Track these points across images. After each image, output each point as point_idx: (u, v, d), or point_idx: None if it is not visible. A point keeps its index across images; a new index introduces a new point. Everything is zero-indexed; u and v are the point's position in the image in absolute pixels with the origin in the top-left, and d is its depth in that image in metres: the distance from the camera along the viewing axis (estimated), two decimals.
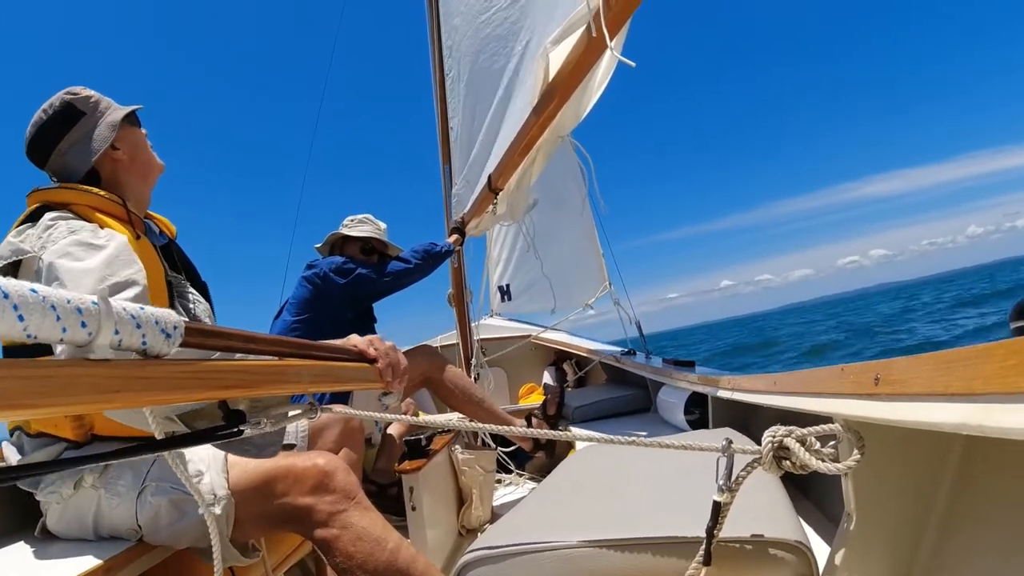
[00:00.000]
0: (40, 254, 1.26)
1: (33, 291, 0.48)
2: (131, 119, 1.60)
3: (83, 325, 0.53)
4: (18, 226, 1.36)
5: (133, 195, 1.55)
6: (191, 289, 1.60)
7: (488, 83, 2.86)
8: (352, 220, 3.02)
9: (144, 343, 0.61)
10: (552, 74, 2.03)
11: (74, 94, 1.51)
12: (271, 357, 0.88)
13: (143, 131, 1.64)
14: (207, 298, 1.67)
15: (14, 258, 1.26)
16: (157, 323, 0.63)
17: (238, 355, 0.84)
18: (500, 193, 2.90)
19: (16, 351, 1.23)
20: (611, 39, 1.61)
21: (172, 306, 1.47)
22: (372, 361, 1.24)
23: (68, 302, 0.52)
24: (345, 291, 2.75)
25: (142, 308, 0.62)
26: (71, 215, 1.37)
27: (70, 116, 1.49)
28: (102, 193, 1.44)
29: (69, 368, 0.51)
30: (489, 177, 2.87)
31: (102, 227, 1.37)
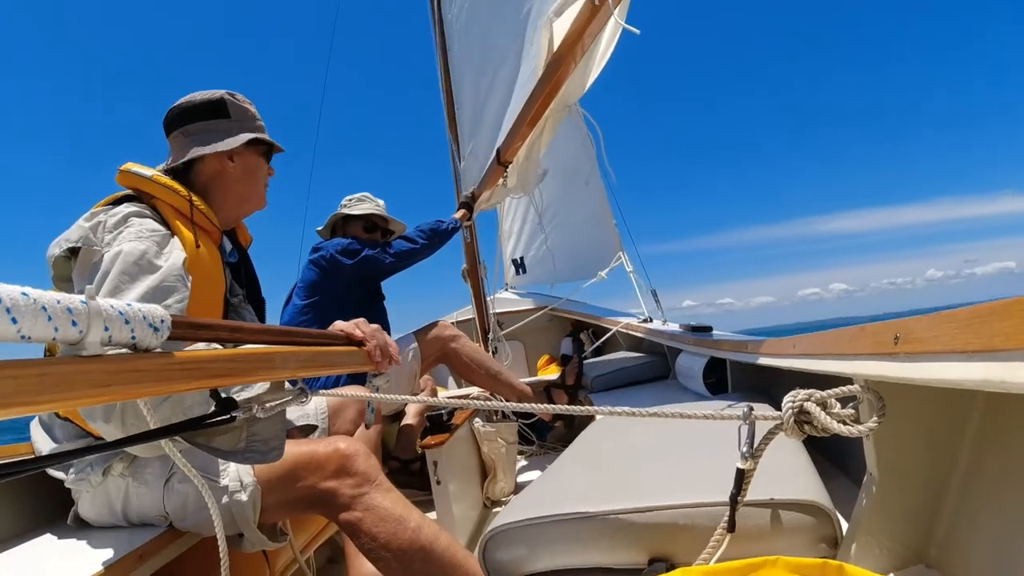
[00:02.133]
0: (104, 250, 1.27)
1: (24, 294, 0.51)
2: (262, 149, 1.65)
3: (73, 324, 0.56)
4: (97, 207, 1.37)
5: (223, 208, 1.57)
6: (249, 309, 1.63)
7: (492, 55, 2.84)
8: (350, 199, 3.02)
9: (133, 337, 0.64)
10: (556, 44, 2.01)
11: (233, 97, 1.58)
12: (259, 345, 0.90)
13: (270, 168, 1.68)
14: (261, 315, 1.70)
15: (79, 244, 1.28)
16: (144, 318, 0.66)
17: (227, 344, 0.86)
18: (510, 165, 2.88)
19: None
20: (615, 6, 1.59)
21: None
22: (360, 344, 1.25)
23: (58, 302, 0.55)
24: (352, 272, 2.76)
25: (129, 304, 0.65)
26: (148, 212, 1.38)
27: (217, 110, 1.56)
28: (185, 193, 1.45)
29: (62, 365, 0.53)
30: (498, 150, 2.85)
31: (173, 234, 1.38)
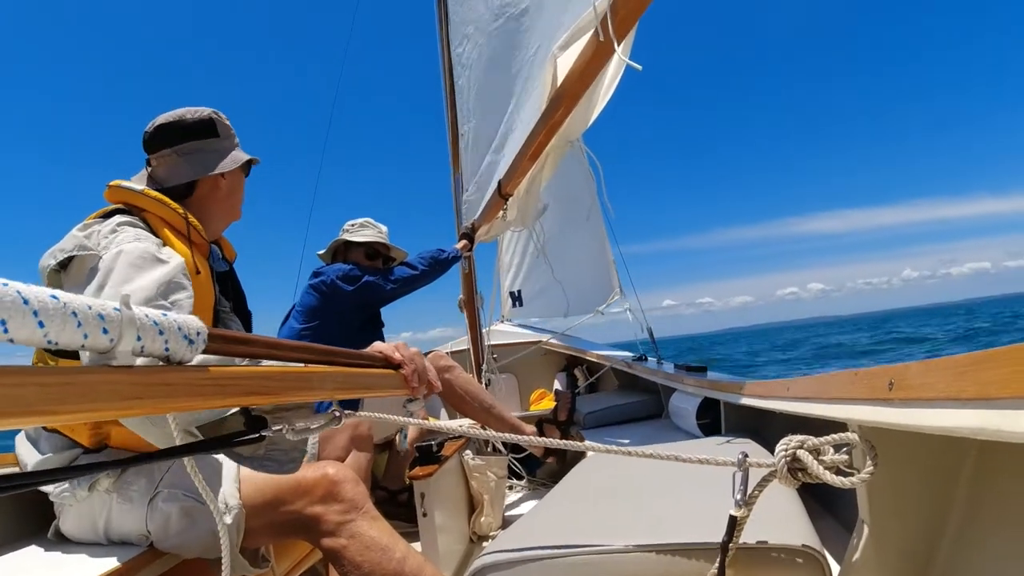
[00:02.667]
0: (101, 253, 1.28)
1: (54, 297, 0.48)
2: (247, 166, 1.72)
3: (104, 331, 0.53)
4: (90, 220, 1.39)
5: (210, 224, 1.61)
6: (236, 320, 1.64)
7: (499, 90, 2.87)
8: (352, 225, 3.03)
9: (167, 349, 0.61)
10: (560, 79, 2.03)
11: (219, 116, 1.64)
12: (295, 364, 0.87)
13: (244, 181, 1.75)
14: (248, 327, 1.72)
15: (75, 252, 1.28)
16: (180, 329, 0.62)
17: (262, 362, 0.83)
18: (510, 199, 2.90)
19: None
20: (619, 43, 1.61)
21: None
22: (397, 367, 1.23)
23: (89, 308, 0.52)
24: (353, 298, 2.76)
25: (164, 314, 0.62)
26: (141, 224, 1.40)
27: (208, 129, 1.61)
28: (178, 209, 1.48)
29: (89, 375, 0.50)
30: (499, 183, 2.87)
31: (165, 243, 1.40)
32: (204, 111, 1.61)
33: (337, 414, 1.02)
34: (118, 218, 1.38)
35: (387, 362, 1.23)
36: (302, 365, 0.87)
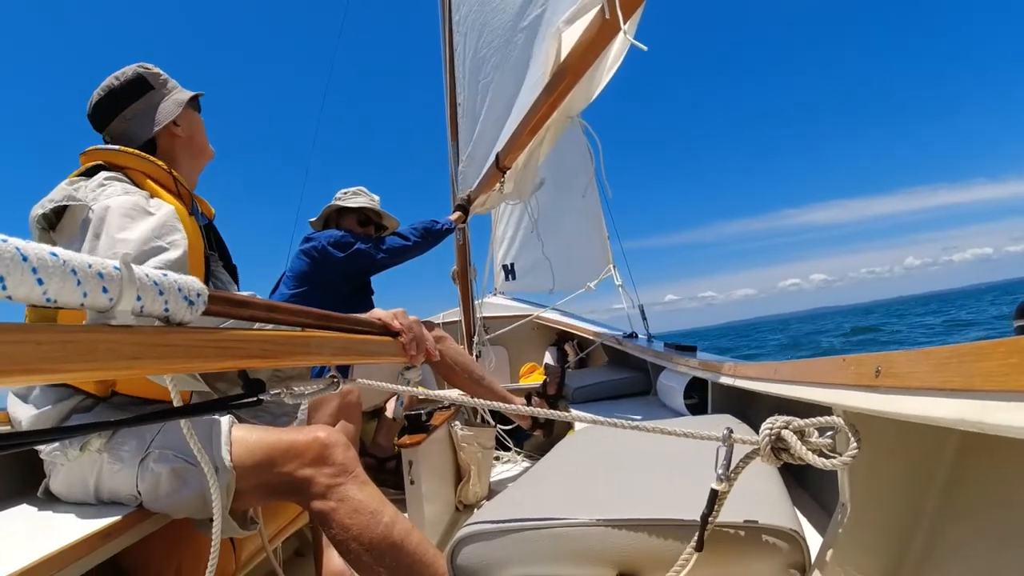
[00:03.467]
0: (91, 204, 1.28)
1: (53, 255, 0.48)
2: (194, 103, 1.69)
3: (104, 291, 0.53)
4: (73, 176, 1.39)
5: (184, 172, 1.61)
6: (223, 270, 1.65)
7: (503, 61, 2.84)
8: (345, 192, 3.01)
9: (167, 310, 0.61)
10: (564, 54, 2.02)
11: (146, 68, 1.61)
12: (294, 328, 0.87)
13: (201, 118, 1.73)
14: (236, 281, 1.71)
15: (65, 203, 1.29)
16: (180, 290, 0.62)
17: (258, 325, 0.83)
18: (508, 171, 2.88)
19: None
20: (625, 22, 1.60)
21: (206, 283, 1.50)
22: (395, 335, 1.24)
23: (89, 267, 0.51)
24: (343, 265, 2.75)
25: (165, 275, 0.62)
26: (125, 179, 1.41)
27: (140, 87, 1.58)
28: (160, 163, 1.49)
29: (89, 334, 0.50)
30: (497, 155, 2.85)
31: (152, 196, 1.41)
32: (129, 69, 1.59)
33: (335, 379, 1.02)
34: (103, 173, 1.39)
35: (386, 329, 1.24)
36: (300, 329, 0.88)
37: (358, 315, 1.24)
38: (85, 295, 0.51)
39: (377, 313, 1.28)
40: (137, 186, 1.42)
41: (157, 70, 1.63)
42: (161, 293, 0.60)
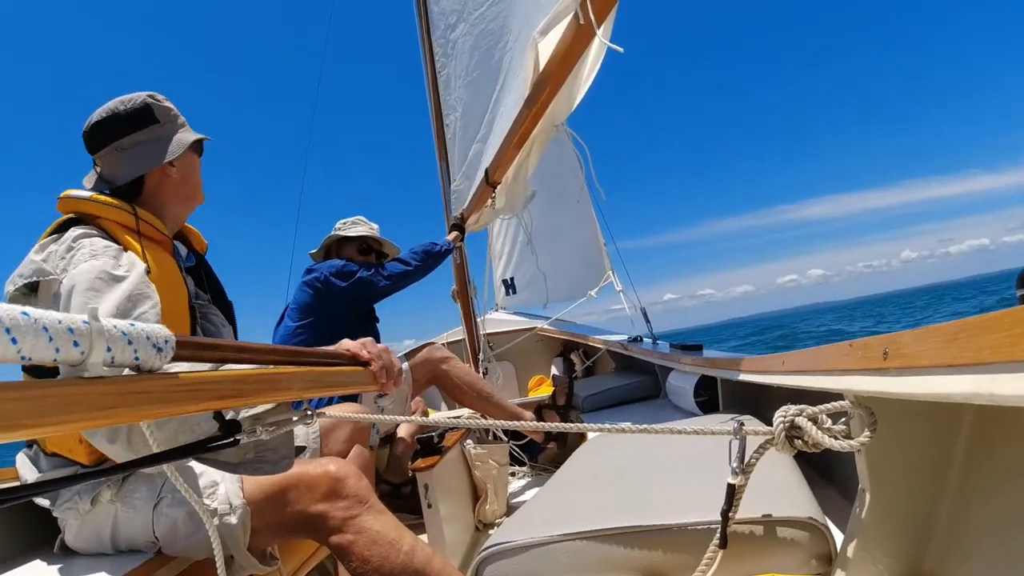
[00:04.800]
0: (60, 277, 1.25)
1: (24, 314, 0.50)
2: (197, 146, 1.60)
3: (75, 344, 0.54)
4: (44, 238, 1.35)
5: (169, 215, 1.54)
6: (215, 311, 1.60)
7: (485, 78, 2.86)
8: (344, 223, 3.02)
9: (137, 358, 0.62)
10: (543, 64, 2.03)
11: (156, 100, 1.51)
12: (264, 366, 0.88)
13: (199, 161, 1.64)
14: (231, 318, 1.67)
15: (34, 278, 1.26)
16: (148, 338, 0.64)
17: (228, 366, 0.84)
18: (498, 186, 2.89)
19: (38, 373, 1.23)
20: (598, 25, 1.61)
21: (194, 331, 1.48)
22: (366, 364, 1.24)
23: (59, 323, 0.53)
24: (347, 294, 2.75)
25: (132, 324, 0.63)
26: (95, 232, 1.35)
27: (146, 118, 1.49)
28: (141, 214, 1.43)
29: (65, 387, 0.52)
30: (486, 171, 2.86)
31: (125, 249, 1.35)
32: (138, 97, 1.50)
33: (308, 412, 1.03)
34: (73, 231, 1.33)
35: (355, 359, 1.24)
36: (272, 367, 0.89)
37: (326, 348, 1.26)
38: (57, 350, 0.53)
39: (345, 344, 1.29)
40: (110, 237, 1.36)
41: (168, 104, 1.54)
42: (130, 343, 0.61)
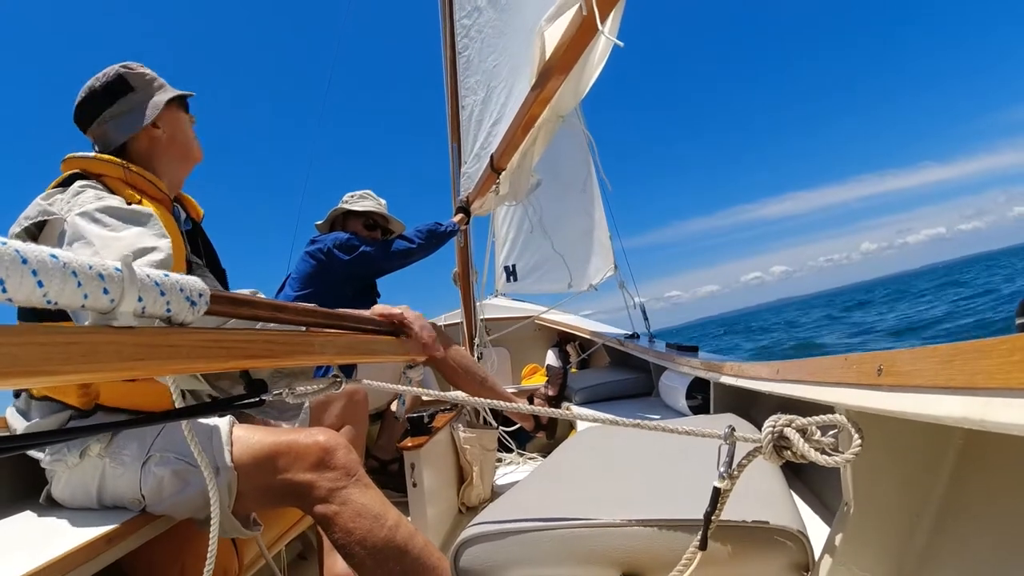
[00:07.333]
0: (66, 216, 1.27)
1: (53, 256, 0.48)
2: (180, 102, 1.63)
3: (105, 292, 0.53)
4: (49, 190, 1.38)
5: (166, 175, 1.57)
6: (209, 275, 1.62)
7: (505, 64, 2.85)
8: (352, 196, 3.02)
9: (169, 310, 0.60)
10: (549, 52, 2.01)
11: (129, 68, 1.55)
12: (298, 327, 0.87)
13: (191, 116, 1.67)
14: (224, 285, 1.69)
15: (40, 218, 1.27)
16: (182, 290, 0.62)
17: (261, 324, 0.83)
18: (503, 173, 2.88)
19: (33, 318, 1.24)
20: (601, 20, 1.60)
21: None
22: (400, 332, 1.22)
23: (90, 268, 0.51)
24: (348, 267, 2.75)
25: (166, 275, 0.61)
26: (101, 187, 1.39)
27: (120, 88, 1.53)
28: (135, 168, 1.46)
29: (91, 335, 0.50)
30: (492, 157, 2.85)
31: (130, 202, 1.38)
32: (111, 70, 1.54)
33: (338, 379, 1.02)
34: (79, 182, 1.37)
35: (392, 326, 1.22)
36: (304, 329, 0.88)
37: (364, 313, 1.23)
38: (86, 296, 0.51)
39: (379, 309, 1.27)
40: (114, 193, 1.40)
41: (143, 69, 1.58)
42: (163, 294, 0.59)
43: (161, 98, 1.57)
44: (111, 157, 1.46)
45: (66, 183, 1.38)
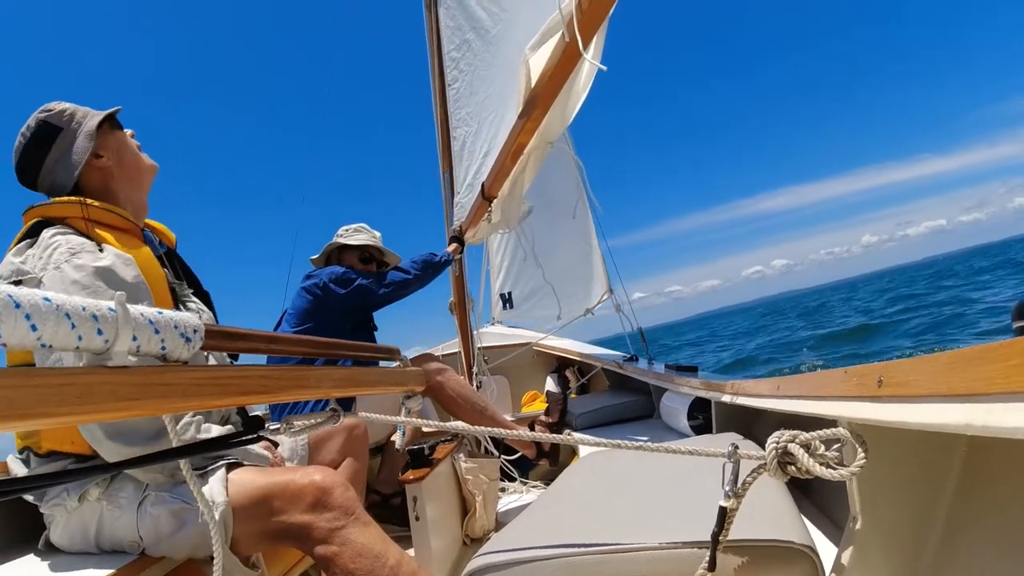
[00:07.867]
0: (41, 276, 1.25)
1: (46, 300, 0.48)
2: (112, 123, 1.58)
3: (99, 332, 0.52)
4: (17, 243, 1.35)
5: (128, 202, 1.54)
6: (194, 298, 1.60)
7: (492, 93, 2.87)
8: (347, 229, 3.02)
9: (163, 348, 0.60)
10: (534, 80, 2.03)
11: (48, 111, 1.51)
12: (297, 358, 0.86)
13: (128, 132, 1.62)
14: (210, 306, 1.66)
15: (14, 278, 1.25)
16: (176, 327, 0.62)
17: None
18: (494, 201, 2.89)
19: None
20: (584, 45, 1.61)
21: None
22: (399, 356, 1.20)
23: (83, 309, 0.51)
24: (345, 301, 2.75)
25: (160, 312, 0.61)
26: (70, 230, 1.36)
27: (47, 134, 1.49)
28: (96, 204, 1.42)
29: (86, 376, 0.49)
30: (482, 185, 2.87)
31: (100, 243, 1.36)
32: (31, 121, 1.50)
33: (335, 412, 1.01)
34: (47, 231, 1.34)
35: (388, 349, 1.21)
36: (299, 363, 0.87)
37: (363, 343, 1.23)
38: (80, 338, 0.51)
39: None
40: (82, 235, 1.36)
41: (63, 106, 1.52)
42: (157, 331, 0.59)
43: (91, 125, 1.52)
44: (68, 198, 1.42)
45: (32, 233, 1.35)
